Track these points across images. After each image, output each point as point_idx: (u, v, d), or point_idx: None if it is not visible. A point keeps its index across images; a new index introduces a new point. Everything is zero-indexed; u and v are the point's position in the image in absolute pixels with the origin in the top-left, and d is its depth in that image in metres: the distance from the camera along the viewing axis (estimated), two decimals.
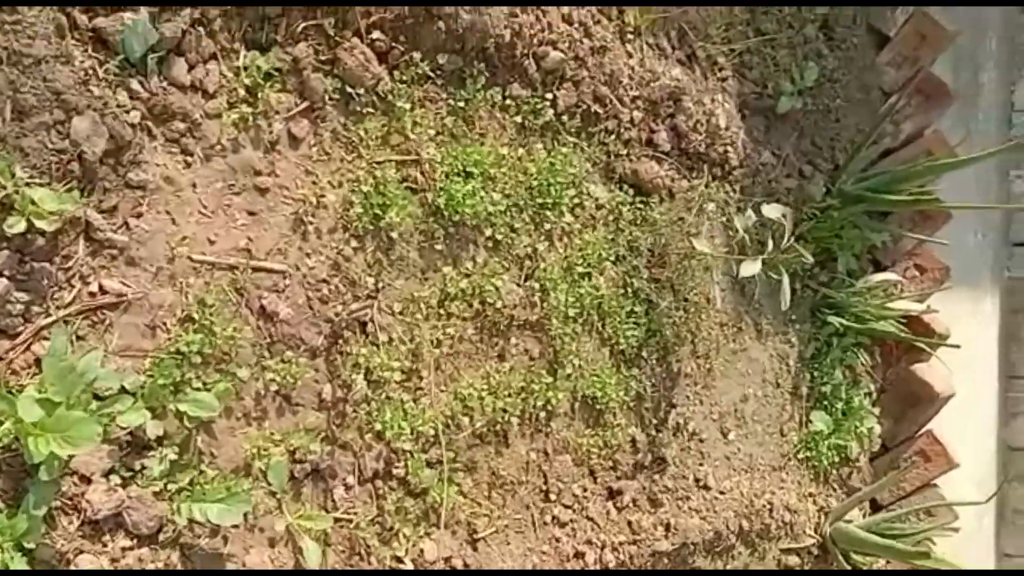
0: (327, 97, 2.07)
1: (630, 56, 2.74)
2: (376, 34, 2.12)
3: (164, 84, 1.82)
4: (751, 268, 2.54)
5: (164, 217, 1.83)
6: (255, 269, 1.94)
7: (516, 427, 2.44)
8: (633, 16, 2.75)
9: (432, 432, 2.22)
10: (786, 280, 2.64)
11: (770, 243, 2.69)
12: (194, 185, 1.88)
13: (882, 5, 3.57)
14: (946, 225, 3.69)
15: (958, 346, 3.40)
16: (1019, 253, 4.39)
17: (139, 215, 1.79)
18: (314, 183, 2.06)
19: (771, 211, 2.63)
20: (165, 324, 1.81)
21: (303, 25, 2.00)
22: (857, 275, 3.50)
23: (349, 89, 2.09)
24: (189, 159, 1.88)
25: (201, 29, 1.85)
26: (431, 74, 2.25)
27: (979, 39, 4.16)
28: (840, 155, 3.54)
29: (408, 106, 2.19)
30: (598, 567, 2.63)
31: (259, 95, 1.95)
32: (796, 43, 3.36)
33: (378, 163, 2.15)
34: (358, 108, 2.13)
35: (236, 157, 1.94)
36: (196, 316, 1.84)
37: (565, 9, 2.54)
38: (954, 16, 3.87)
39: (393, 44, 2.16)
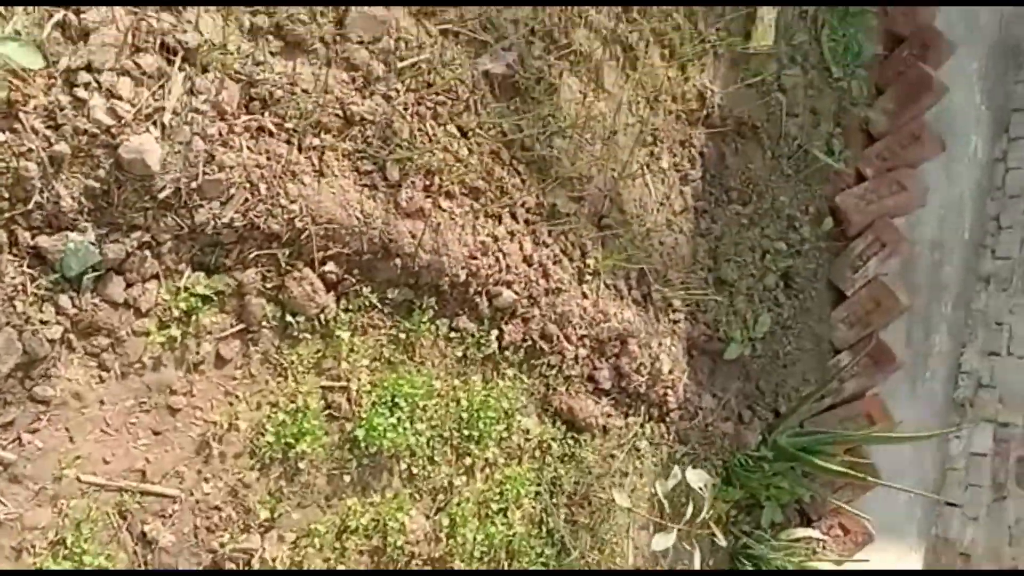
0: (265, 321, 2.07)
1: (585, 296, 2.79)
2: (330, 266, 2.14)
3: (96, 300, 1.80)
4: (663, 542, 2.52)
5: (62, 434, 1.78)
6: (145, 493, 1.88)
7: None
8: (595, 259, 2.82)
9: None
10: (697, 556, 2.60)
11: (689, 510, 2.67)
12: (102, 402, 1.84)
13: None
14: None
15: None
16: (947, 512, 4.41)
17: (35, 431, 1.75)
18: (231, 404, 2.03)
19: (694, 478, 2.62)
20: (34, 547, 1.74)
21: (256, 253, 2.01)
22: (781, 527, 3.48)
23: (289, 317, 2.09)
24: (104, 374, 1.85)
25: (147, 252, 1.85)
26: (378, 304, 2.26)
27: (935, 301, 4.31)
28: (782, 401, 3.59)
29: (348, 334, 2.19)
30: None
31: (194, 317, 1.94)
32: (755, 291, 3.46)
33: (303, 390, 2.13)
34: (295, 333, 2.12)
35: (154, 375, 1.91)
36: (69, 540, 1.76)
37: (528, 250, 2.60)
38: (913, 284, 4.03)
39: (346, 276, 2.18)
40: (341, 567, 2.20)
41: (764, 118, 3.42)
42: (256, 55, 2.00)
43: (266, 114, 2.02)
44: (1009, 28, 4.57)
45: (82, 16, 1.71)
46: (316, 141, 2.11)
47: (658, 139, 3.08)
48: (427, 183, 2.34)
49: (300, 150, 2.08)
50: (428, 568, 2.41)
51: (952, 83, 3.89)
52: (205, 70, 1.90)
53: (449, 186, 2.40)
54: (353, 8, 2.16)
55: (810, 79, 3.63)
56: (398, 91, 2.29)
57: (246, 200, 1.95)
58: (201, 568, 1.96)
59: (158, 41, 1.83)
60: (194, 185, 1.86)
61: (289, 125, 2.05)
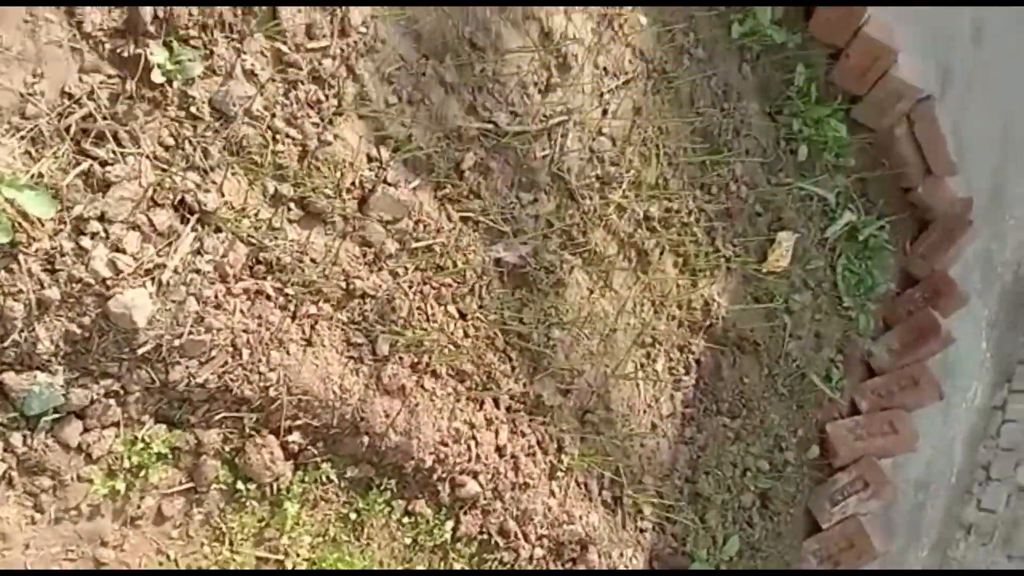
0: (215, 483, 2.01)
1: (553, 495, 2.72)
2: (295, 435, 2.10)
3: (49, 441, 1.76)
4: None
5: None
6: None
7: None
8: (571, 456, 2.77)
9: None
10: None
11: None
12: (27, 545, 1.77)
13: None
14: None
15: None
16: None
17: None
18: (160, 564, 1.95)
19: None
20: None
21: (223, 415, 1.98)
22: None
23: (241, 483, 2.04)
24: (38, 516, 1.78)
25: (113, 400, 1.82)
26: (335, 479, 2.21)
27: (913, 543, 4.19)
28: None
29: (297, 507, 2.13)
30: None
31: (144, 471, 1.89)
32: (729, 508, 3.37)
33: (237, 559, 2.05)
34: (243, 499, 2.06)
35: (89, 524, 1.85)
36: None
37: (503, 440, 2.55)
38: (892, 522, 3.92)
39: (309, 447, 2.14)
40: None
41: (767, 336, 3.42)
42: (273, 221, 2.03)
43: (269, 278, 2.03)
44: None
45: (107, 168, 1.75)
46: (313, 309, 2.11)
47: (657, 342, 3.08)
48: (415, 360, 2.33)
49: (294, 318, 2.08)
50: None
51: (960, 325, 3.91)
52: (218, 230, 1.93)
53: (436, 366, 2.38)
54: (379, 188, 2.21)
55: (819, 303, 3.65)
56: (406, 269, 2.31)
57: (225, 363, 1.93)
58: None
59: (177, 198, 1.86)
60: (176, 343, 1.85)
61: (289, 291, 2.06)
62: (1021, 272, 4.71)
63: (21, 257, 1.65)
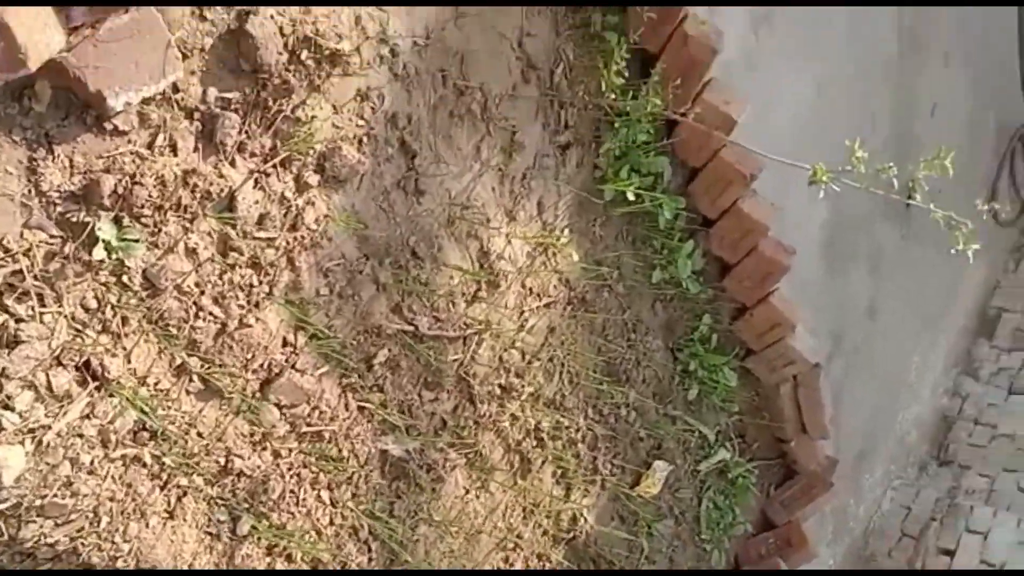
0: None
1: None
2: None
3: None
4: None
5: None
6: None
7: None
8: None
9: None
10: None
11: None
12: None
13: None
14: None
15: None
16: None
17: None
18: None
19: None
20: None
21: None
22: None
23: None
24: None
25: None
26: None
27: None
28: None
29: None
30: None
31: None
32: None
33: None
34: None
35: None
36: None
37: None
38: None
39: None
40: None
41: (623, 558, 3.57)
42: (171, 392, 2.08)
43: (150, 445, 2.06)
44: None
45: (20, 326, 1.78)
46: (184, 482, 2.14)
47: (519, 548, 3.18)
48: (271, 543, 2.35)
49: (163, 488, 2.09)
50: None
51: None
52: (112, 395, 1.96)
53: (292, 550, 2.41)
54: (286, 373, 2.29)
55: (679, 532, 3.84)
56: (290, 451, 2.36)
57: (82, 528, 1.93)
58: None
59: (83, 360, 1.90)
60: (38, 503, 1.84)
61: (167, 462, 2.09)
62: (870, 529, 5.06)
63: None
